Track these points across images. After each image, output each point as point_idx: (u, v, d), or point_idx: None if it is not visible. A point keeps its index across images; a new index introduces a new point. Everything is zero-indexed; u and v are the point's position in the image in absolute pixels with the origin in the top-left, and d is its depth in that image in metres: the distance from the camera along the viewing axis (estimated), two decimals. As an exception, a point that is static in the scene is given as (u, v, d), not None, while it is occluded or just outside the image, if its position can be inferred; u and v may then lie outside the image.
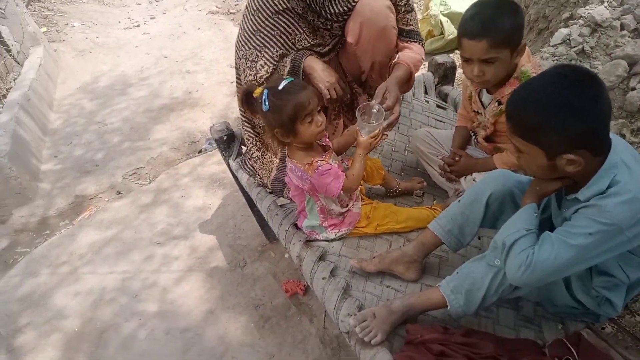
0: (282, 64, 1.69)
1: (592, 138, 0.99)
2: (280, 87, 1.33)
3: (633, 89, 2.12)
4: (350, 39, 1.71)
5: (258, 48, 1.66)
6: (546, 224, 1.25)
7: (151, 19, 6.12)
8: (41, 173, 3.36)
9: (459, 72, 2.40)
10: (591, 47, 2.32)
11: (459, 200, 1.36)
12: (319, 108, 1.39)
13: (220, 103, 4.00)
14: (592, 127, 0.98)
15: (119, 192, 3.16)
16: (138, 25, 5.90)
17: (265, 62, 1.66)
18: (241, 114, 1.88)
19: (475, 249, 1.53)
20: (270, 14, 1.63)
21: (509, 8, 1.35)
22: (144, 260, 2.51)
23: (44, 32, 5.14)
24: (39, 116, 3.78)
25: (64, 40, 5.29)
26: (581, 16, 2.45)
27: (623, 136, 2.06)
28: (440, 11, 3.67)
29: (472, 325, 1.29)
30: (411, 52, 1.79)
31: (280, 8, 1.62)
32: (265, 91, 1.33)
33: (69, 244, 2.72)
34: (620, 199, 0.98)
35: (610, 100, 1.00)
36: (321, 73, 1.65)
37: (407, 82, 1.76)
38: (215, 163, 3.20)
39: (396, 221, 1.60)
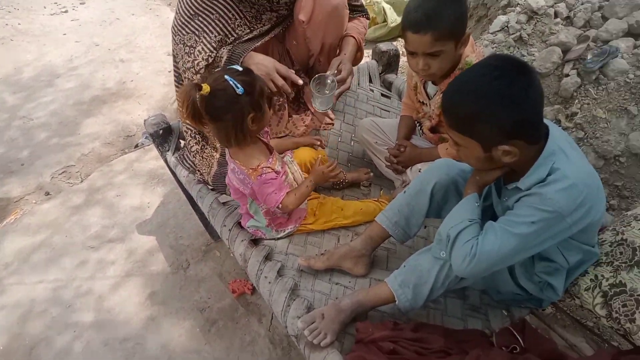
0: (219, 54, 1.59)
1: (526, 127, 0.97)
2: (240, 69, 1.24)
3: (567, 75, 2.19)
4: (302, 16, 1.63)
5: (197, 33, 1.55)
6: (488, 212, 1.25)
7: (80, 4, 5.69)
8: (-43, 174, 3.04)
9: (403, 59, 2.39)
10: (528, 34, 2.37)
11: (405, 192, 1.33)
12: None
13: (157, 93, 3.79)
14: (524, 116, 0.96)
15: (47, 193, 2.91)
16: (66, 11, 5.46)
17: (203, 48, 1.55)
18: (178, 100, 1.76)
19: (422, 239, 1.52)
20: None
21: None
22: (76, 267, 2.33)
23: (-46, 17, 4.65)
24: (-50, 112, 3.42)
25: (-21, 27, 4.81)
26: (518, 4, 2.50)
27: (558, 122, 2.13)
28: (383, -2, 3.66)
29: (421, 317, 1.28)
30: (359, 26, 1.80)
31: None
32: (228, 77, 1.21)
33: (-10, 252, 2.48)
34: (560, 185, 0.98)
35: (542, 88, 0.99)
36: (260, 66, 1.56)
37: (356, 56, 1.80)
38: (153, 158, 3.02)
39: (343, 216, 1.56)
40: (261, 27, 1.65)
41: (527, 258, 1.18)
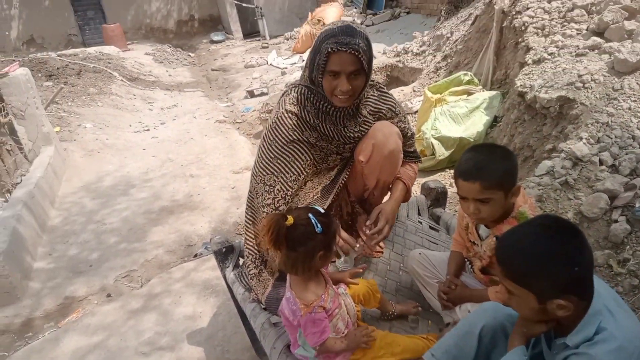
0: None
1: (580, 284, 1.04)
2: (322, 211, 1.44)
3: (615, 221, 2.24)
4: (362, 157, 1.87)
5: (275, 173, 1.80)
6: (539, 359, 1.26)
7: (161, 124, 6.51)
8: (33, 271, 3.34)
9: (450, 194, 2.54)
10: (574, 179, 2.49)
11: (453, 331, 1.37)
12: None
13: (220, 207, 4.11)
14: (579, 273, 1.04)
15: (109, 295, 3.11)
16: (148, 130, 6.25)
17: (282, 187, 1.79)
18: (246, 229, 1.96)
19: (470, 379, 1.50)
20: (284, 143, 1.80)
21: (501, 154, 1.48)
22: (127, 372, 2.41)
23: (57, 131, 5.43)
24: (39, 213, 3.85)
25: (74, 140, 5.56)
26: (562, 150, 2.67)
27: (610, 267, 2.13)
28: (432, 134, 3.97)
29: None
30: (409, 170, 2.03)
31: (294, 138, 1.80)
32: (311, 215, 1.38)
33: (50, 349, 2.62)
34: (608, 347, 1.01)
35: (591, 248, 1.08)
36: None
37: (405, 197, 2.01)
38: (209, 269, 3.20)
39: (391, 353, 1.58)
40: (326, 165, 1.90)
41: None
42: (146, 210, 4.17)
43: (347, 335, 1.52)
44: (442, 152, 3.93)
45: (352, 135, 1.87)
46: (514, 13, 4.33)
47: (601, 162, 2.51)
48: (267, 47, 11.63)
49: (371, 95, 1.91)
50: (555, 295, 1.04)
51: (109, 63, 9.02)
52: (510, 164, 1.47)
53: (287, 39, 12.02)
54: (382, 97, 1.94)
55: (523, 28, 4.03)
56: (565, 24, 3.69)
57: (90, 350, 2.58)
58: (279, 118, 1.81)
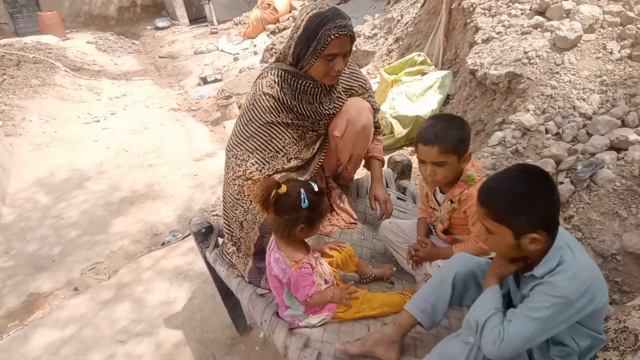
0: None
1: (550, 221, 1.20)
2: (316, 189, 1.50)
3: (561, 182, 2.46)
4: (337, 132, 1.97)
5: (250, 150, 1.85)
6: (504, 301, 1.41)
7: (111, 114, 6.30)
8: (-10, 271, 3.20)
9: (414, 168, 2.69)
10: (523, 148, 2.70)
11: (429, 283, 1.51)
12: None
13: (183, 195, 4.08)
14: (551, 212, 1.20)
15: (76, 289, 3.05)
16: (98, 121, 6.03)
17: (256, 161, 1.84)
18: (224, 209, 2.00)
19: (445, 328, 1.65)
20: (261, 124, 1.85)
21: (457, 123, 1.65)
22: (105, 360, 2.40)
23: None
24: (-10, 210, 3.67)
25: (20, 135, 5.29)
26: (512, 122, 2.88)
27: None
28: (390, 114, 4.11)
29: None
30: (379, 145, 2.22)
31: (270, 120, 1.85)
32: (303, 190, 1.47)
33: (19, 346, 2.55)
34: (566, 275, 1.18)
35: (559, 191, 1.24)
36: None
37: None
38: (179, 255, 3.20)
39: (371, 307, 1.71)
40: (305, 142, 1.97)
41: (543, 343, 1.32)
42: (106, 202, 4.08)
43: (332, 291, 1.62)
44: (400, 131, 4.09)
45: (327, 112, 1.95)
46: (461, -5, 4.53)
47: (547, 131, 2.74)
48: (216, 33, 11.39)
49: (343, 72, 1.99)
50: (530, 230, 1.19)
51: (50, 53, 8.54)
52: (464, 133, 1.65)
53: (237, 24, 11.82)
54: (354, 75, 2.03)
55: (471, 9, 4.24)
56: (510, 4, 3.91)
57: (64, 342, 2.54)
58: (256, 100, 1.85)
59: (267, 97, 1.84)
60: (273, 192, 1.47)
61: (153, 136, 5.44)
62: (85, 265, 3.24)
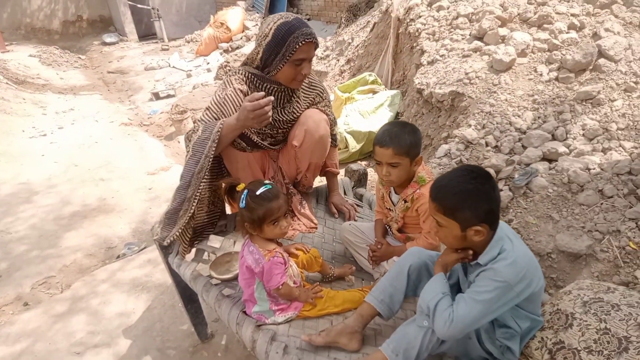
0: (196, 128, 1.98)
1: (492, 215, 1.37)
2: (257, 193, 1.58)
3: (501, 190, 2.71)
4: (295, 142, 2.10)
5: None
6: (454, 290, 1.57)
7: (59, 128, 6.10)
8: None
9: (370, 178, 2.85)
10: (467, 159, 2.95)
11: (386, 275, 1.64)
12: (285, 214, 1.66)
13: (138, 209, 4.03)
14: (492, 207, 1.37)
15: (26, 304, 2.94)
16: (45, 135, 5.82)
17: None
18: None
19: (401, 320, 1.78)
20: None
21: (410, 129, 1.83)
22: (61, 373, 2.34)
23: (-64, 139, 4.86)
24: None
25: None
26: (456, 136, 3.13)
27: (499, 226, 2.59)
28: (345, 129, 4.30)
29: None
30: (335, 158, 2.39)
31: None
32: (245, 191, 1.57)
33: (-35, 364, 2.43)
34: (506, 262, 1.34)
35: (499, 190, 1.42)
36: (239, 117, 1.85)
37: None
38: (136, 267, 3.17)
39: (334, 305, 1.82)
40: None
41: (489, 325, 1.49)
42: (56, 217, 3.95)
43: (299, 290, 1.73)
44: (354, 145, 4.28)
45: (285, 118, 2.09)
46: (408, 20, 4.86)
47: (487, 144, 3.00)
48: (167, 50, 11.31)
49: (303, 83, 2.14)
50: (474, 223, 1.35)
51: (-12, 65, 8.15)
52: (416, 137, 1.83)
53: (188, 42, 11.80)
54: (312, 84, 2.18)
55: (417, 34, 4.55)
56: (452, 30, 4.26)
57: (15, 358, 2.45)
58: (228, 95, 1.97)
59: (239, 92, 1.97)
60: (224, 186, 1.64)
61: (104, 150, 5.33)
62: (36, 280, 3.13)
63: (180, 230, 1.96)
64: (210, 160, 1.90)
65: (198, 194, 1.93)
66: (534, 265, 1.42)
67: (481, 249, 1.41)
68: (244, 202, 1.58)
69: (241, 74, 2.00)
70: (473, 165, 1.53)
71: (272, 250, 1.63)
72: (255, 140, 2.06)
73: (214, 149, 1.88)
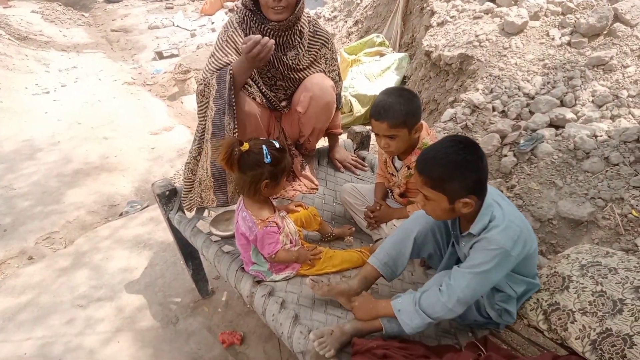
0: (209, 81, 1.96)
1: (480, 185, 1.33)
2: (277, 146, 1.56)
3: (505, 155, 2.68)
4: (300, 108, 2.08)
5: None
6: (451, 262, 1.57)
7: (62, 86, 6.04)
8: (-64, 239, 3.07)
9: (373, 139, 2.82)
10: (472, 124, 2.90)
11: (390, 238, 1.62)
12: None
13: (141, 167, 4.03)
14: (480, 177, 1.33)
15: (30, 258, 2.99)
16: (48, 92, 5.77)
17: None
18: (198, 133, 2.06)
19: (399, 280, 1.79)
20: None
21: (406, 98, 1.73)
22: (65, 324, 2.40)
23: (-62, 93, 4.83)
24: None
25: (-40, 103, 4.99)
26: (463, 100, 3.06)
27: (501, 191, 2.57)
28: (350, 92, 4.23)
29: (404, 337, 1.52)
30: (337, 117, 2.35)
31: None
32: (264, 147, 1.52)
33: (-28, 313, 2.50)
34: (498, 229, 1.32)
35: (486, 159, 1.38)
36: (242, 59, 1.87)
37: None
38: (139, 225, 3.20)
39: (332, 265, 1.82)
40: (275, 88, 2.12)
41: (489, 291, 1.49)
42: (59, 174, 3.96)
43: (297, 252, 1.73)
44: (359, 109, 4.22)
45: (289, 63, 2.04)
46: (418, -20, 4.69)
47: (494, 109, 2.95)
48: (171, 8, 11.04)
49: (308, 30, 2.08)
50: (463, 195, 1.32)
51: (-10, 20, 8.02)
52: (412, 106, 1.74)
53: (193, 1, 11.50)
54: (318, 33, 2.12)
55: (427, -6, 4.40)
56: (464, -10, 4.11)
57: (21, 308, 2.51)
58: (229, 37, 1.96)
59: (240, 31, 1.96)
60: (235, 150, 1.52)
61: (107, 109, 5.29)
62: (39, 235, 3.17)
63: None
64: (235, 108, 1.90)
65: None
66: (526, 227, 1.39)
67: (472, 218, 1.39)
68: (268, 157, 1.53)
69: (239, 14, 1.99)
70: (460, 136, 1.47)
71: (265, 220, 1.61)
72: (265, 94, 2.04)
73: (233, 95, 1.88)
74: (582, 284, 1.44)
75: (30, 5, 10.98)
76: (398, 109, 1.69)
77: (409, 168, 1.88)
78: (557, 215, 2.39)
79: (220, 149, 1.51)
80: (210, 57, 2.01)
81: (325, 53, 2.17)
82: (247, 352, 2.20)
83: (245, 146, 1.52)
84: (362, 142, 2.61)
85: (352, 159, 2.47)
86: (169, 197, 2.17)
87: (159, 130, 4.71)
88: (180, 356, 2.18)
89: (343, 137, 2.61)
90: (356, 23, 6.24)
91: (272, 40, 1.81)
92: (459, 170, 1.30)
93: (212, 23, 9.14)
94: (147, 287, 2.62)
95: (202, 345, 2.23)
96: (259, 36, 1.77)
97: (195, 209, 2.15)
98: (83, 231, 3.26)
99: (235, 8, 9.46)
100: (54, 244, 3.15)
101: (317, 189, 2.31)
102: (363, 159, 2.59)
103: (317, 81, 2.10)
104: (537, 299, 1.52)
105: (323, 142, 2.54)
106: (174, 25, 9.45)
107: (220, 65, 1.96)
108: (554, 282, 1.53)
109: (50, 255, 2.98)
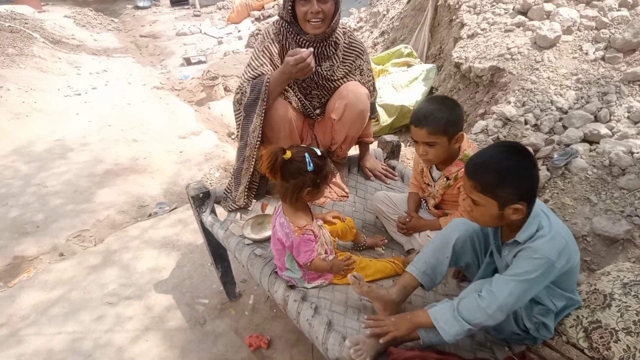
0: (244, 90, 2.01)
1: (531, 192, 1.32)
2: (319, 153, 1.58)
3: (538, 170, 2.64)
4: (334, 115, 2.10)
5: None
6: (489, 270, 1.55)
7: (92, 89, 6.19)
8: (-28, 234, 3.16)
9: (402, 148, 2.82)
10: (504, 136, 2.88)
11: (429, 246, 1.61)
12: None
13: (169, 170, 4.10)
14: (533, 184, 1.32)
15: (61, 254, 3.06)
16: (79, 94, 5.93)
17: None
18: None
19: (432, 292, 1.78)
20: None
21: (449, 106, 1.73)
22: (95, 320, 2.44)
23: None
24: (-28, 175, 3.61)
25: (-2, 102, 5.15)
26: (494, 112, 3.05)
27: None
28: (377, 102, 4.23)
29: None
30: (369, 126, 2.36)
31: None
32: (307, 154, 1.54)
33: (7, 305, 2.57)
34: (544, 239, 1.31)
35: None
36: (283, 71, 1.90)
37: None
38: (167, 226, 3.24)
39: (365, 275, 1.79)
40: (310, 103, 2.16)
41: (528, 302, 1.46)
42: (89, 173, 4.05)
43: (332, 262, 1.73)
44: (385, 119, 4.22)
45: (325, 74, 2.08)
46: (448, -8, 4.69)
47: (526, 122, 2.92)
48: (199, 16, 11.27)
49: (343, 42, 2.10)
50: (514, 201, 1.30)
51: (26, 23, 8.27)
52: (453, 115, 1.72)
53: (220, 9, 11.73)
54: (352, 45, 2.15)
55: (457, 6, 4.41)
56: (495, 3, 4.10)
57: (53, 303, 2.57)
58: (266, 47, 2.00)
59: (277, 42, 2.01)
60: (279, 159, 1.52)
61: (136, 112, 5.40)
62: (70, 232, 3.24)
63: (245, 187, 2.08)
64: (262, 118, 1.94)
65: (255, 154, 2.01)
66: (571, 240, 1.38)
67: (519, 226, 1.37)
68: (311, 164, 1.54)
69: (276, 25, 2.03)
70: (511, 142, 1.47)
71: (302, 228, 1.61)
72: (300, 99, 2.08)
73: (264, 107, 1.92)
74: (626, 302, 1.41)
75: (63, 10, 11.34)
76: (439, 117, 1.69)
77: (448, 179, 1.87)
78: (592, 232, 2.35)
79: (263, 158, 1.53)
80: (246, 66, 2.06)
81: (360, 64, 2.19)
82: (274, 356, 2.20)
83: (288, 154, 1.53)
84: (392, 152, 2.61)
85: (382, 168, 2.47)
86: (202, 200, 2.20)
87: (187, 134, 4.78)
88: (208, 357, 2.20)
89: (373, 146, 2.62)
90: (382, 34, 6.27)
91: (314, 63, 1.85)
92: (513, 175, 1.29)
93: (239, 31, 9.28)
94: (175, 287, 2.65)
95: (229, 348, 2.25)
96: (308, 52, 1.80)
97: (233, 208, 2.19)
98: (113, 230, 3.32)
99: (262, 17, 9.61)
100: (85, 242, 3.22)
101: (347, 197, 2.32)
102: (393, 168, 2.59)
103: (352, 88, 2.12)
104: (577, 316, 1.49)
105: (353, 151, 2.55)
106: (201, 32, 9.63)
107: (255, 75, 2.00)
108: (594, 300, 1.50)
109: (81, 253, 3.04)
